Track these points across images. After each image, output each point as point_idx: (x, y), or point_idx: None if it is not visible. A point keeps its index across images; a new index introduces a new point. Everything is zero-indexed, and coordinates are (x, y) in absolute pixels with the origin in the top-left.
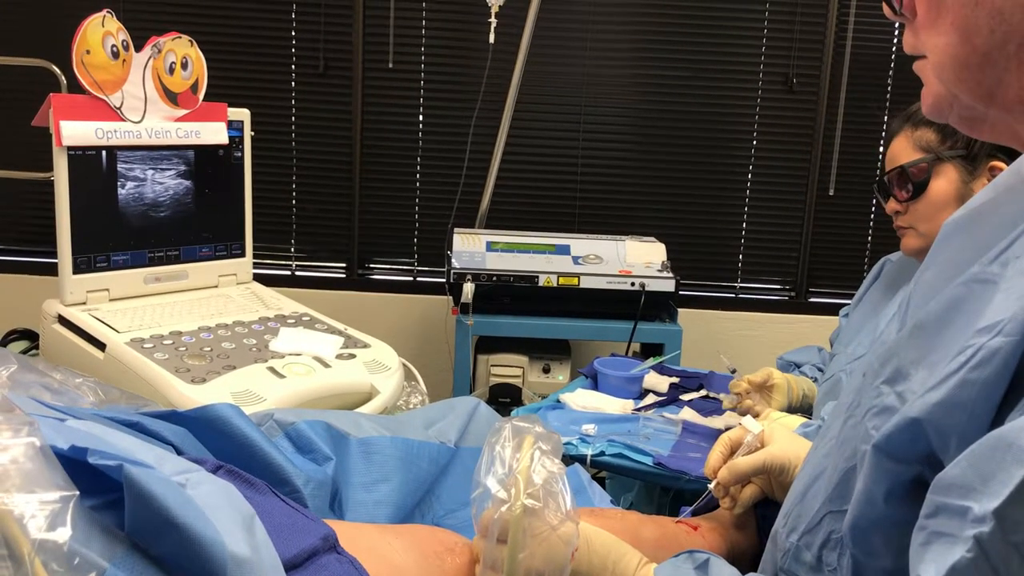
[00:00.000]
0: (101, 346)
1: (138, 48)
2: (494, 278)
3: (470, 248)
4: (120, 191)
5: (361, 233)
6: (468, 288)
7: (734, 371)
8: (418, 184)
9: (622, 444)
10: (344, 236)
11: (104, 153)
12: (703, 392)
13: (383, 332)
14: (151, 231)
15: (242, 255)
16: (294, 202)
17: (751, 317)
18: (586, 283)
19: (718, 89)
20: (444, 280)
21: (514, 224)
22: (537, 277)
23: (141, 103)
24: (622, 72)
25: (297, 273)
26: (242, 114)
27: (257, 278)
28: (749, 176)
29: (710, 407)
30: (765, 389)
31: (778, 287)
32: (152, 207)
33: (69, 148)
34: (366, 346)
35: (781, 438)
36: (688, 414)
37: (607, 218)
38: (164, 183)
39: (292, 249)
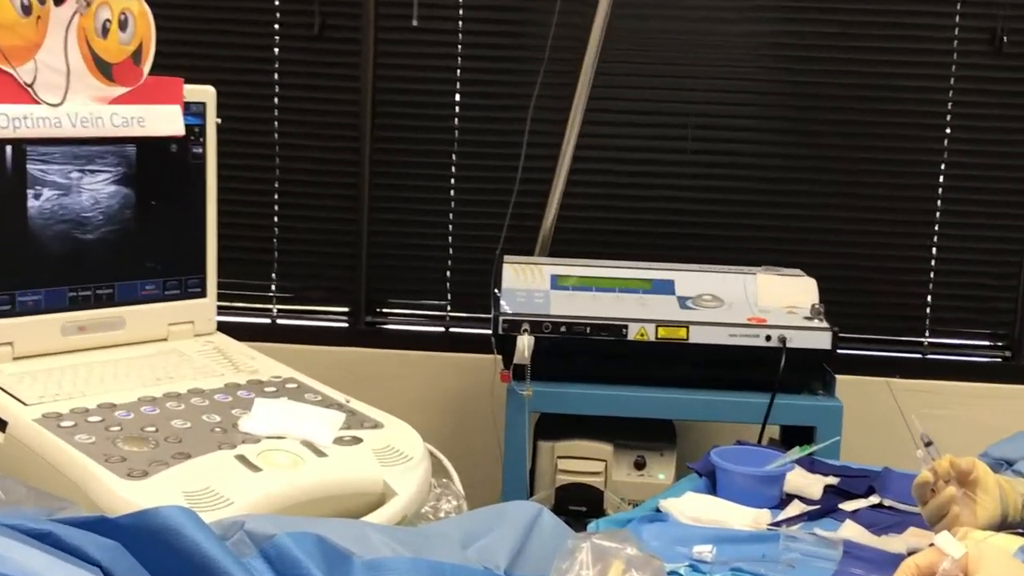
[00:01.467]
0: (0, 425)
1: (58, 1)
2: (562, 328)
3: (527, 284)
4: (31, 203)
5: (371, 264)
6: (525, 343)
7: (929, 443)
8: (453, 193)
9: (753, 575)
10: (347, 268)
11: (8, 149)
12: (874, 499)
13: (402, 405)
14: (74, 260)
15: (202, 295)
16: (276, 219)
17: (945, 388)
18: (699, 336)
19: (892, 54)
20: (490, 331)
21: (590, 250)
22: (625, 327)
23: (62, 78)
24: (750, 32)
25: (280, 321)
26: (204, 93)
27: (224, 328)
28: (941, 181)
29: (886, 520)
30: (967, 485)
31: (985, 345)
32: (76, 226)
33: None
34: (377, 425)
35: (993, 566)
36: (853, 531)
37: (728, 241)
38: (94, 191)
39: (273, 287)
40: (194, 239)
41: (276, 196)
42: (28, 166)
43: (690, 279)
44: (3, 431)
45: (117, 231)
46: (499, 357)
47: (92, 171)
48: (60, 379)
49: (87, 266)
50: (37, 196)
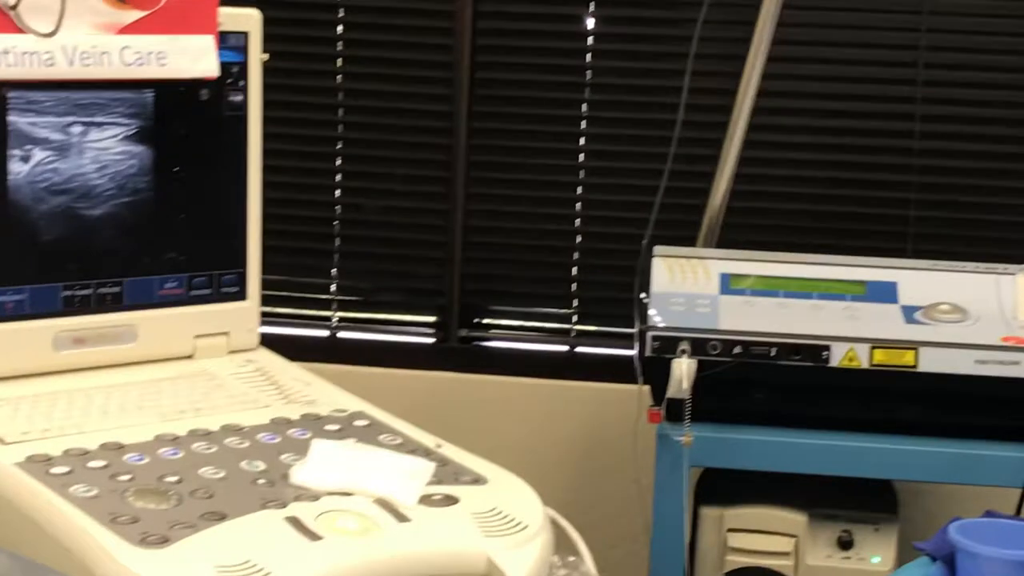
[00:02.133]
0: None
1: None
2: (736, 349)
3: (687, 287)
4: (14, 167)
5: (467, 258)
6: (684, 368)
7: None
8: (582, 159)
9: None
10: (435, 263)
11: None
12: None
13: (511, 453)
14: (70, 246)
15: (240, 297)
16: (338, 194)
17: None
18: (932, 361)
19: None
20: (633, 351)
21: (775, 239)
22: (827, 349)
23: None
24: None
25: (343, 334)
26: (247, 20)
27: (269, 342)
28: None
29: None
30: None
31: None
32: (76, 199)
33: None
34: (478, 480)
35: None
36: None
37: (973, 228)
38: (98, 152)
39: (333, 287)
40: (231, 221)
41: (339, 162)
42: (9, 118)
43: (920, 281)
44: None
45: (127, 209)
46: (646, 388)
47: (96, 125)
48: (50, 409)
49: (87, 255)
50: (23, 157)
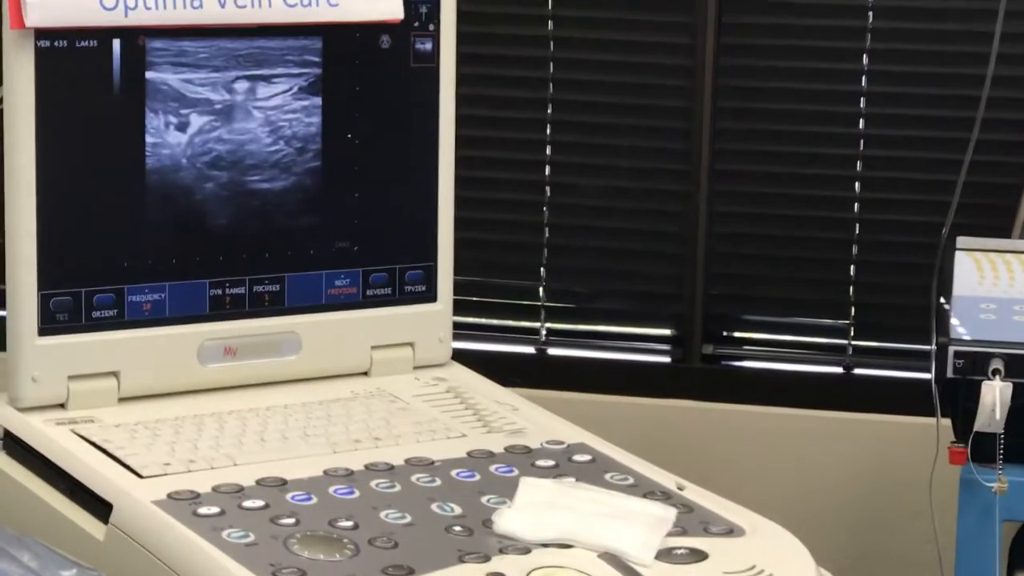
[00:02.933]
0: (102, 508)
1: None
2: None
3: (1002, 290)
4: (155, 133)
5: (713, 259)
6: (996, 394)
7: None
8: (863, 127)
9: None
10: (671, 262)
11: (118, 46)
12: None
13: (771, 497)
14: (220, 235)
15: (429, 299)
16: (548, 172)
17: None
18: None
19: None
20: (928, 374)
21: None
22: None
23: None
24: None
25: (552, 351)
26: None
27: (461, 358)
28: None
29: None
30: None
31: None
32: (230, 169)
33: (38, 36)
34: (733, 531)
35: None
36: None
37: None
38: (260, 116)
39: (542, 290)
40: (417, 203)
41: (549, 131)
42: (149, 75)
43: None
44: (106, 519)
45: (288, 188)
46: (945, 420)
47: (256, 78)
48: (196, 436)
49: (240, 245)
50: (164, 124)
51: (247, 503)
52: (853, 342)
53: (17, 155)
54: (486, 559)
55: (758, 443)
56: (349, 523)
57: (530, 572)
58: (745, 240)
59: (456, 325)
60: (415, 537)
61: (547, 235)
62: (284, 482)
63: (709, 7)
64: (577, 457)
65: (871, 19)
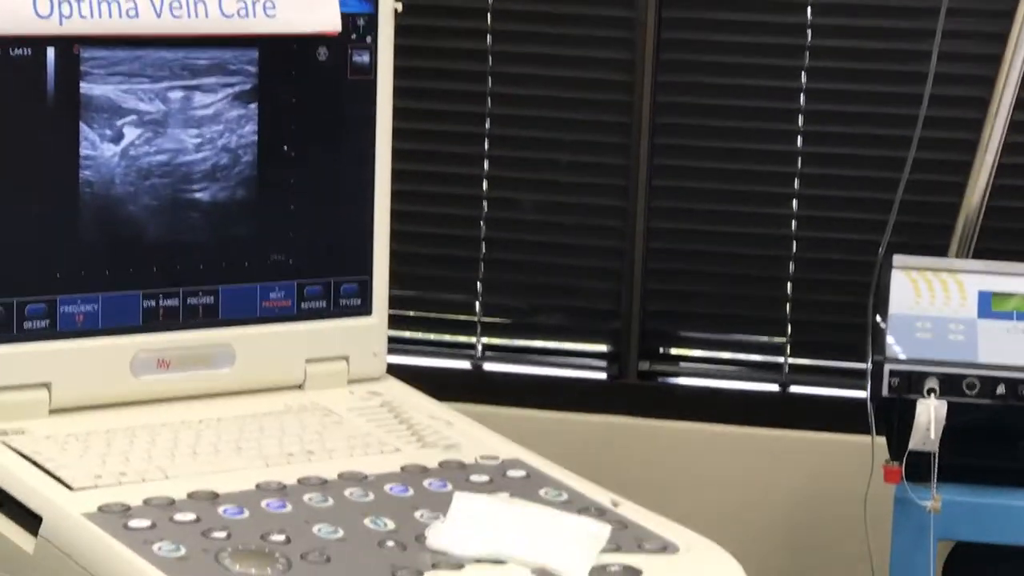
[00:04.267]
0: (31, 521)
1: None
2: (999, 390)
3: (936, 309)
4: (88, 143)
5: (649, 271)
6: (931, 413)
7: None
8: (800, 144)
9: None
10: (607, 277)
11: (51, 56)
12: None
13: (706, 514)
14: (153, 245)
15: (363, 312)
16: (485, 186)
17: None
18: None
19: None
20: (863, 392)
21: None
22: None
23: None
24: None
25: (491, 366)
26: None
27: (397, 373)
28: None
29: None
30: None
31: None
32: (164, 179)
33: None
34: (667, 548)
35: None
36: None
37: None
38: (195, 127)
39: (478, 304)
40: (352, 216)
41: (487, 146)
42: (83, 86)
43: None
44: (35, 533)
45: (222, 200)
46: (880, 439)
47: (191, 89)
48: (127, 448)
49: (173, 256)
50: (100, 133)
51: (178, 516)
52: (789, 359)
53: None
54: (419, 574)
55: (694, 460)
56: (281, 537)
57: None
58: (682, 256)
59: (392, 339)
60: (348, 552)
61: (484, 250)
62: (216, 495)
63: (648, 23)
64: (511, 472)
65: (809, 37)
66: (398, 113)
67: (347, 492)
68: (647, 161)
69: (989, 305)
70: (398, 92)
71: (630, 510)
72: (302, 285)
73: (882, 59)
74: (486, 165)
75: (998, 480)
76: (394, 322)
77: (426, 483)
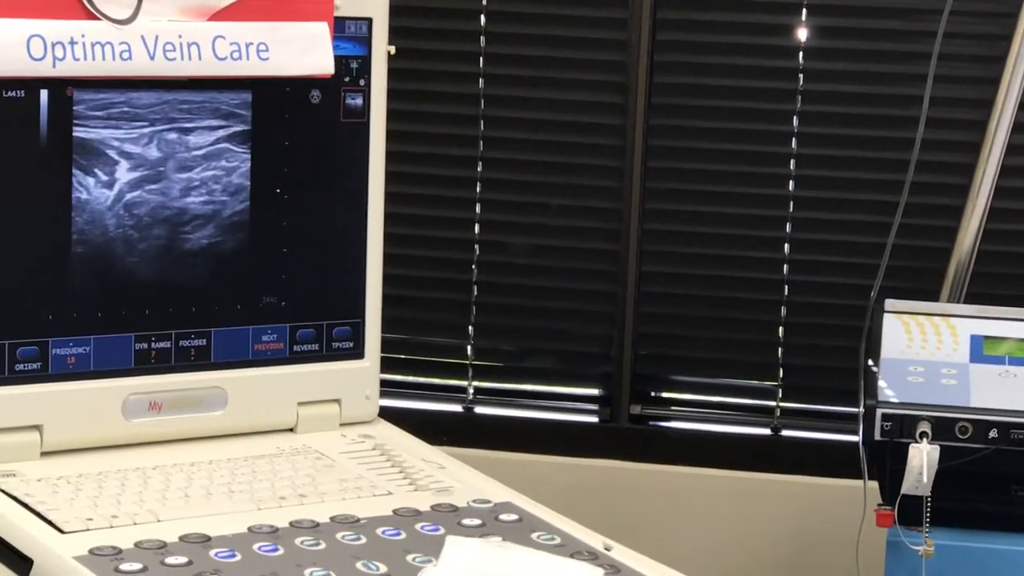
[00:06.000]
0: (22, 563)
1: None
2: (992, 434)
3: (928, 353)
4: (81, 186)
5: (641, 315)
6: (924, 457)
7: None
8: (792, 188)
9: None
10: (600, 321)
11: (44, 98)
12: None
13: (698, 560)
14: (145, 288)
15: (356, 355)
16: (477, 229)
17: None
18: None
19: None
20: (856, 436)
21: None
22: None
23: None
24: None
25: (480, 410)
26: (370, 4)
27: (389, 417)
28: None
29: None
30: None
31: None
32: (157, 222)
33: None
34: None
35: None
36: None
37: None
38: (188, 169)
39: (470, 349)
40: (345, 261)
41: (479, 189)
42: (75, 130)
43: None
44: (26, 574)
45: (214, 243)
46: (872, 483)
47: (181, 131)
48: (119, 491)
49: (165, 299)
50: (92, 176)
51: (170, 559)
52: (781, 404)
53: None
54: None
55: (686, 504)
56: None
57: None
58: (674, 301)
59: (383, 382)
60: None
61: (476, 293)
62: (208, 539)
63: (640, 68)
64: (504, 516)
65: (801, 81)
66: (391, 156)
67: (339, 535)
68: (639, 205)
69: (981, 349)
70: (391, 135)
71: (623, 554)
72: (294, 328)
73: (874, 103)
74: (478, 208)
75: (991, 524)
76: (386, 365)
77: (418, 526)
